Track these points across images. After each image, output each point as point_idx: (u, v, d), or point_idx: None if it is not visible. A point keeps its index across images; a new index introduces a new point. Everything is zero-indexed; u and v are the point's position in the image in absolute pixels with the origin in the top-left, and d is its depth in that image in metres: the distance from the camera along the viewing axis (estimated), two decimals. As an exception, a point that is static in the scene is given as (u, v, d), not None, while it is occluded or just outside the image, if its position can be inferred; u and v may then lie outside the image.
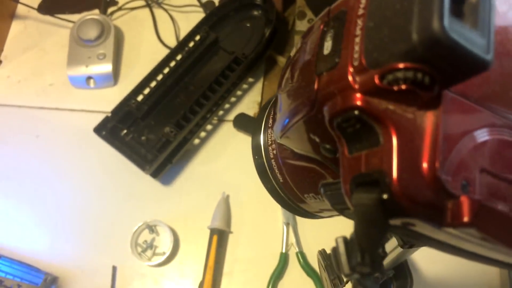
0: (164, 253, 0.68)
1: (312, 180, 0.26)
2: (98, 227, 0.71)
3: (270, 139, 0.28)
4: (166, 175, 0.73)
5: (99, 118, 0.75)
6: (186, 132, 0.70)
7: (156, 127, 0.72)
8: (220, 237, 0.68)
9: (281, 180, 0.29)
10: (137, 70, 0.82)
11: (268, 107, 0.29)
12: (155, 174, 0.70)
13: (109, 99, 0.79)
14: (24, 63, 0.84)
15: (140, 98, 0.73)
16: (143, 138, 0.71)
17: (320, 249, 0.67)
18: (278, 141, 0.25)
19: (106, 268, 0.68)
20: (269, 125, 0.28)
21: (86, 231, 0.71)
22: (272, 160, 0.28)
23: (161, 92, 0.73)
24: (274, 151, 0.28)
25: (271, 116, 0.28)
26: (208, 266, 0.66)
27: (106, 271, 0.68)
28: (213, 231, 0.68)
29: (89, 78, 0.79)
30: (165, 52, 0.82)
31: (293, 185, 0.28)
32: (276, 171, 0.28)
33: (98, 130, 0.70)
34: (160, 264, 0.68)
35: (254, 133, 0.29)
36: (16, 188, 0.74)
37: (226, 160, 0.74)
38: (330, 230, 0.68)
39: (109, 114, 0.71)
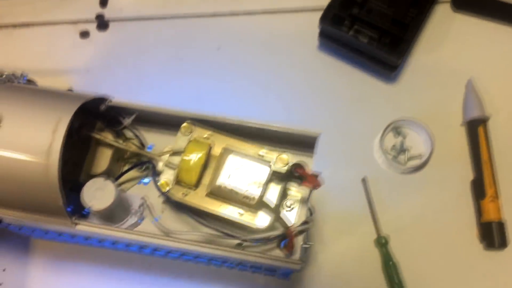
0: (420, 155, 0.58)
1: None
2: (333, 139, 0.59)
3: None
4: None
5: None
6: (427, 12, 0.59)
7: (379, 11, 0.60)
8: (483, 127, 0.58)
9: None
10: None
11: None
12: (392, 69, 0.59)
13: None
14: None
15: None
16: (368, 28, 0.59)
17: None
18: None
19: (355, 183, 0.58)
20: None
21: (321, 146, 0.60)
22: None
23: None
24: None
25: None
26: (483, 160, 0.57)
27: (356, 186, 0.58)
28: (474, 122, 0.58)
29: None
30: None
31: None
32: None
33: (323, 20, 0.58)
34: (416, 169, 0.58)
35: None
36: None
37: (453, 46, 0.64)
38: None
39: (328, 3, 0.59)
